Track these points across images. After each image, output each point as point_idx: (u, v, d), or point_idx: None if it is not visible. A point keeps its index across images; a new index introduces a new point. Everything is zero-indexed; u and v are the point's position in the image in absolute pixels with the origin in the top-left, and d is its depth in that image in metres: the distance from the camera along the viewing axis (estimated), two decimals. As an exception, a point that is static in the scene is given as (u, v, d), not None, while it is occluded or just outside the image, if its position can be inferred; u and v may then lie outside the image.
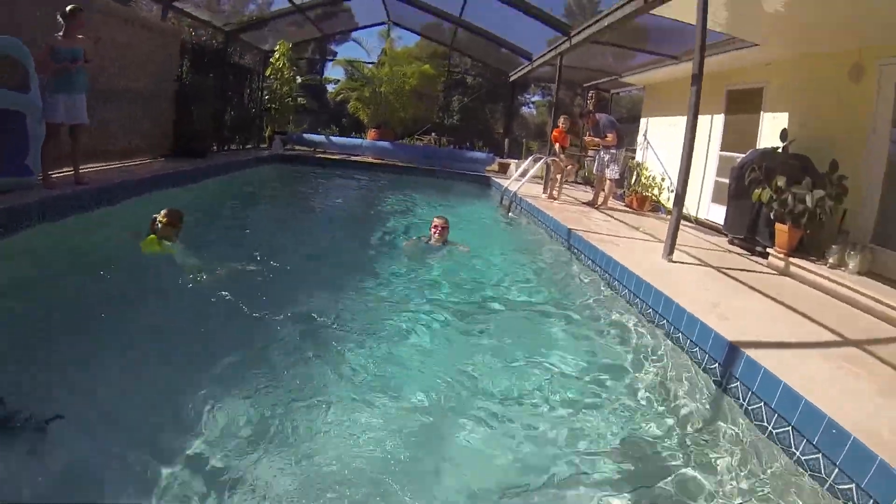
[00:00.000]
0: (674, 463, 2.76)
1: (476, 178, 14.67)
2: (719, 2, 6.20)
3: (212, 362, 3.22)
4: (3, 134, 5.58)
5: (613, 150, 9.79)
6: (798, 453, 2.68)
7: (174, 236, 4.88)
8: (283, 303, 4.20)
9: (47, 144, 6.04)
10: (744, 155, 7.48)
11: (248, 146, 15.25)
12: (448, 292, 5.09)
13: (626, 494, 2.49)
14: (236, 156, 12.97)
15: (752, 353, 3.25)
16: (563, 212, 8.87)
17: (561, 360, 3.83)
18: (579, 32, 9.74)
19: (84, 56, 6.08)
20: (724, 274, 5.58)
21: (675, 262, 5.74)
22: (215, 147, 12.78)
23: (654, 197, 10.94)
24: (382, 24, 17.57)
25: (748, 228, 7.06)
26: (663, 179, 11.12)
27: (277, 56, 15.38)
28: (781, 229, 6.17)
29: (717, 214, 8.77)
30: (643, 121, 13.20)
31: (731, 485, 2.59)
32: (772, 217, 6.35)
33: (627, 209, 10.63)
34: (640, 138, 13.17)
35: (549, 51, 12.12)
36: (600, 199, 10.23)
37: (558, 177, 10.78)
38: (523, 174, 10.69)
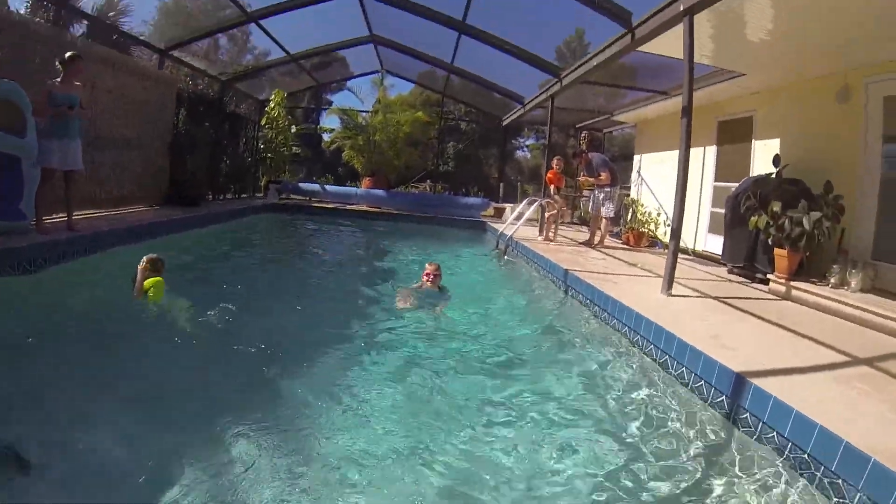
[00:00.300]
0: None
1: (471, 224, 14.61)
2: (705, 35, 6.33)
3: (202, 412, 3.12)
4: (-2, 177, 5.57)
5: (608, 189, 9.81)
6: (817, 480, 2.53)
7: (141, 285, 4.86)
8: (274, 351, 4.10)
9: (42, 189, 6.02)
10: (738, 184, 7.49)
11: (244, 195, 15.30)
12: (440, 339, 4.92)
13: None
14: (231, 205, 12.97)
15: (759, 381, 3.12)
16: (559, 252, 8.79)
17: (561, 403, 3.68)
18: (569, 73, 9.90)
19: (80, 103, 6.12)
20: (726, 304, 5.47)
21: (675, 295, 5.63)
22: (210, 196, 12.81)
23: (650, 232, 10.93)
24: (376, 72, 17.90)
25: (747, 256, 7.00)
26: (659, 214, 11.14)
27: (273, 105, 15.62)
28: (780, 254, 6.11)
29: (715, 245, 8.73)
30: (636, 157, 13.33)
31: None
32: (770, 243, 6.31)
33: (625, 246, 10.58)
34: (633, 175, 13.26)
35: (541, 93, 12.30)
36: (596, 239, 10.18)
37: (551, 217, 10.75)
38: (518, 217, 10.66)
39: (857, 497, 2.31)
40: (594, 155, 10.29)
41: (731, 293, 6.08)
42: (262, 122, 15.97)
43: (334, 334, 4.76)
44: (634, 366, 4.35)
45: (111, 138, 8.72)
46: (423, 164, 20.58)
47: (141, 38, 11.49)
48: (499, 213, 15.85)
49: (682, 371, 3.87)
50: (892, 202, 5.91)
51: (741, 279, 7.09)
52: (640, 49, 7.16)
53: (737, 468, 2.85)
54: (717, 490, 2.67)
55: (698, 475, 2.81)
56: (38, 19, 8.79)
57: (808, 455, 2.62)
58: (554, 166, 11.01)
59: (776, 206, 6.12)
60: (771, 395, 2.94)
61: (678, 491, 2.69)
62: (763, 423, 2.96)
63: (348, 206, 15.78)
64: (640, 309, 4.78)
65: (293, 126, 16.94)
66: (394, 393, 3.66)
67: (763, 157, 7.79)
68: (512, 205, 14.54)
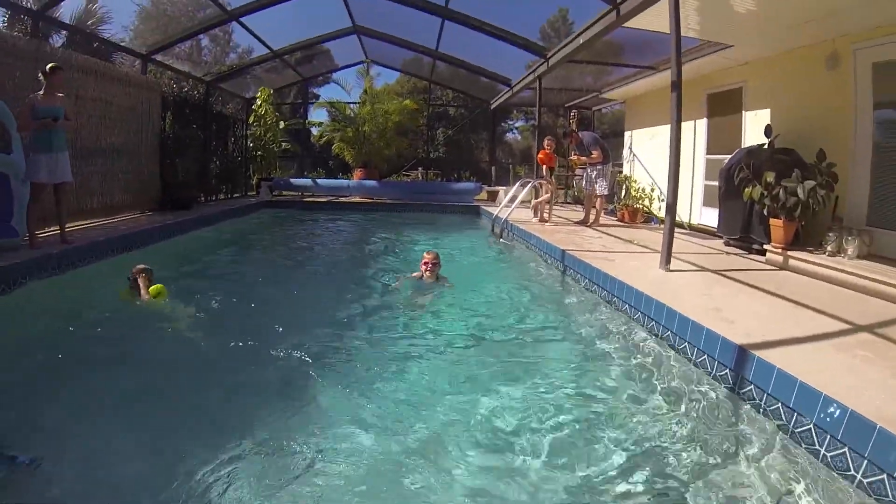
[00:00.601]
0: (694, 475, 2.62)
1: (465, 209, 14.62)
2: (690, 7, 6.28)
3: (203, 415, 3.13)
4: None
5: (600, 167, 9.80)
6: (823, 450, 2.55)
7: (147, 290, 4.96)
8: (276, 348, 4.07)
9: (32, 204, 5.98)
10: (730, 156, 7.48)
11: (236, 195, 15.22)
12: (444, 326, 4.93)
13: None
14: (223, 205, 12.90)
15: (762, 353, 3.13)
16: (555, 233, 8.79)
17: (565, 382, 3.69)
18: (555, 53, 9.85)
19: (65, 115, 6.07)
20: (725, 276, 5.48)
21: (674, 270, 5.64)
22: (202, 198, 12.75)
23: (645, 208, 10.92)
24: (361, 63, 17.75)
25: (742, 228, 7.02)
26: (653, 190, 11.13)
27: (260, 103, 15.51)
28: (776, 224, 6.13)
29: (710, 218, 8.73)
30: (627, 134, 13.29)
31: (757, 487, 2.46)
32: (765, 213, 6.32)
33: (620, 223, 10.58)
34: (625, 152, 13.23)
35: (528, 75, 12.26)
36: (591, 217, 10.18)
37: (546, 198, 10.73)
38: (512, 200, 10.65)
39: (864, 464, 2.33)
40: (585, 133, 10.27)
41: (730, 265, 6.10)
42: (250, 121, 15.86)
43: (335, 329, 4.76)
44: (636, 342, 4.37)
45: (98, 147, 8.68)
46: (414, 153, 20.50)
47: (122, 44, 11.40)
48: (492, 197, 15.81)
49: (685, 346, 3.89)
50: (885, 168, 5.91)
51: (738, 251, 7.11)
52: (625, 25, 7.11)
53: (741, 440, 2.88)
54: (723, 463, 2.69)
55: (704, 448, 2.83)
56: (15, 33, 8.68)
57: (814, 424, 2.64)
58: (545, 147, 10.98)
59: (770, 177, 6.12)
60: (774, 367, 2.95)
61: (686, 463, 2.71)
62: (767, 394, 2.98)
63: (341, 199, 15.75)
64: (640, 286, 4.79)
65: (281, 122, 16.82)
66: (396, 386, 3.66)
67: (754, 128, 7.77)
68: (505, 188, 14.51)
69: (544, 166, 10.96)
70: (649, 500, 2.48)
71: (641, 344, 4.33)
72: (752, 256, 6.71)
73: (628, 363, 4.07)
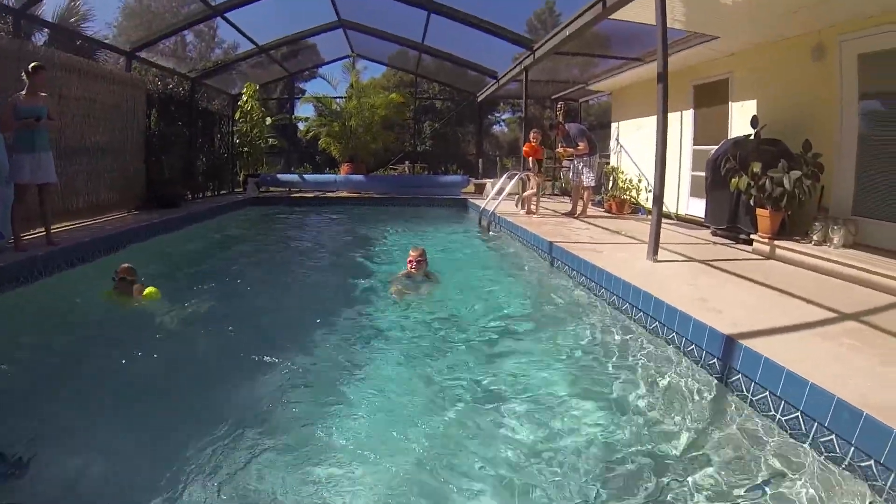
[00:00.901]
0: (681, 463, 2.65)
1: (453, 202, 14.59)
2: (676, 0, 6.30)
3: (191, 417, 3.10)
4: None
5: (587, 158, 9.82)
6: (811, 437, 2.60)
7: (132, 290, 4.97)
8: (266, 347, 4.05)
9: (16, 205, 5.89)
10: (717, 146, 7.53)
11: (223, 192, 15.08)
12: (432, 321, 4.91)
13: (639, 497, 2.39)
14: (210, 202, 12.78)
15: (749, 342, 3.18)
16: (542, 225, 8.82)
17: (553, 375, 3.71)
18: (542, 45, 9.84)
19: (48, 114, 5.98)
20: (712, 266, 5.54)
21: (661, 261, 5.69)
22: (189, 195, 12.63)
23: (632, 199, 10.98)
24: (347, 57, 17.63)
25: (729, 218, 7.08)
26: (640, 180, 11.19)
27: (245, 98, 15.39)
28: (762, 214, 6.19)
29: (697, 208, 8.80)
30: (614, 125, 13.32)
31: (739, 478, 2.49)
32: (751, 203, 6.38)
33: (607, 214, 10.64)
34: (612, 143, 13.27)
35: (514, 66, 12.23)
36: (579, 208, 10.22)
37: (534, 190, 10.75)
38: (499, 192, 10.67)
39: (851, 451, 2.37)
40: (571, 125, 10.30)
41: (717, 255, 6.16)
42: (237, 117, 15.73)
43: (324, 327, 4.74)
44: (623, 334, 4.39)
45: (83, 146, 8.56)
46: (401, 146, 20.43)
47: (105, 41, 11.23)
48: (479, 190, 15.83)
49: (673, 336, 3.93)
50: (870, 158, 5.97)
51: (725, 241, 7.17)
52: (612, 17, 7.11)
53: (732, 428, 2.90)
54: (713, 452, 2.71)
55: (694, 437, 2.85)
56: (-4, 32, 8.55)
57: (801, 412, 2.68)
58: (531, 139, 10.99)
59: (756, 167, 6.18)
60: (762, 356, 2.99)
61: (676, 453, 2.73)
62: (755, 383, 3.02)
63: (328, 194, 15.68)
64: (628, 277, 4.83)
65: (268, 118, 16.72)
66: (386, 379, 3.67)
67: (741, 118, 7.83)
68: (492, 180, 14.52)
69: (531, 158, 10.97)
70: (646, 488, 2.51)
71: (625, 334, 4.36)
72: (738, 246, 6.77)
73: (614, 352, 4.10)
